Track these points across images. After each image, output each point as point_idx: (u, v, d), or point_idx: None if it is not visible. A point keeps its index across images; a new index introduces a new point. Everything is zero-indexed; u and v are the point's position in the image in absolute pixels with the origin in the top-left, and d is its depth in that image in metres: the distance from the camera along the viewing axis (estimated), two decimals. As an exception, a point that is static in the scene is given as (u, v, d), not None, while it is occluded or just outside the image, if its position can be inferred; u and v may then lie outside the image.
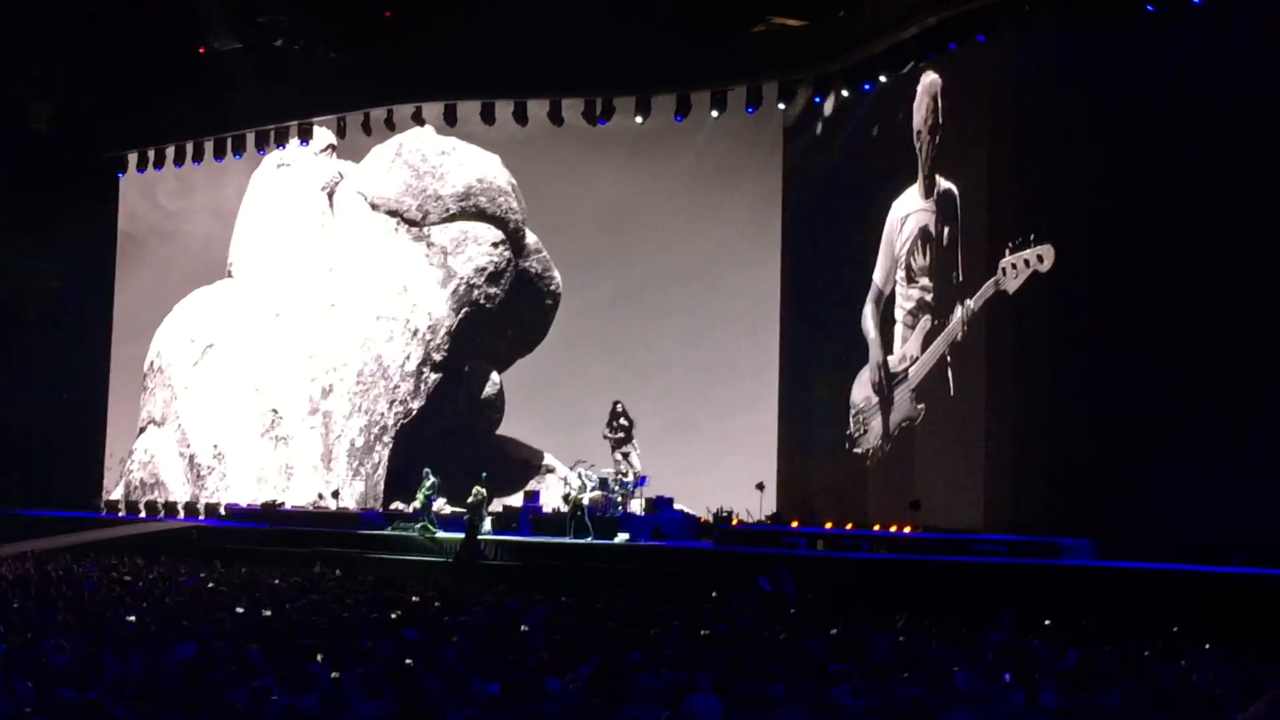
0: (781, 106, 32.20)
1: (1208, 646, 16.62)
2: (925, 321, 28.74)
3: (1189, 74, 24.08)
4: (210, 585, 22.28)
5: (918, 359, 28.77)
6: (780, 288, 32.91)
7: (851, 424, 30.53)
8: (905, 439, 29.11)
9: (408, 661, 13.72)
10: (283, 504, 34.37)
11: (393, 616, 18.25)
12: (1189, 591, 20.62)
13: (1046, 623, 18.56)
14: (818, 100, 31.65)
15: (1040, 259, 25.34)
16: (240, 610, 18.32)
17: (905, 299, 29.40)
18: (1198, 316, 23.65)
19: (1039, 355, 25.93)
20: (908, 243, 29.36)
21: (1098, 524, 23.95)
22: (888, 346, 29.82)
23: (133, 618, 17.31)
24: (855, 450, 30.42)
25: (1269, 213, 23.21)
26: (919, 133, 29.09)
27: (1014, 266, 25.84)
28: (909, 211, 29.36)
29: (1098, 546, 23.58)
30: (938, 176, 28.56)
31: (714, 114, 32.69)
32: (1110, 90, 25.03)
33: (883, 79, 29.83)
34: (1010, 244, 26.02)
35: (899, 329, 29.55)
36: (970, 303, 26.99)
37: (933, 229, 28.63)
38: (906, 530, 26.81)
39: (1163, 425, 23.91)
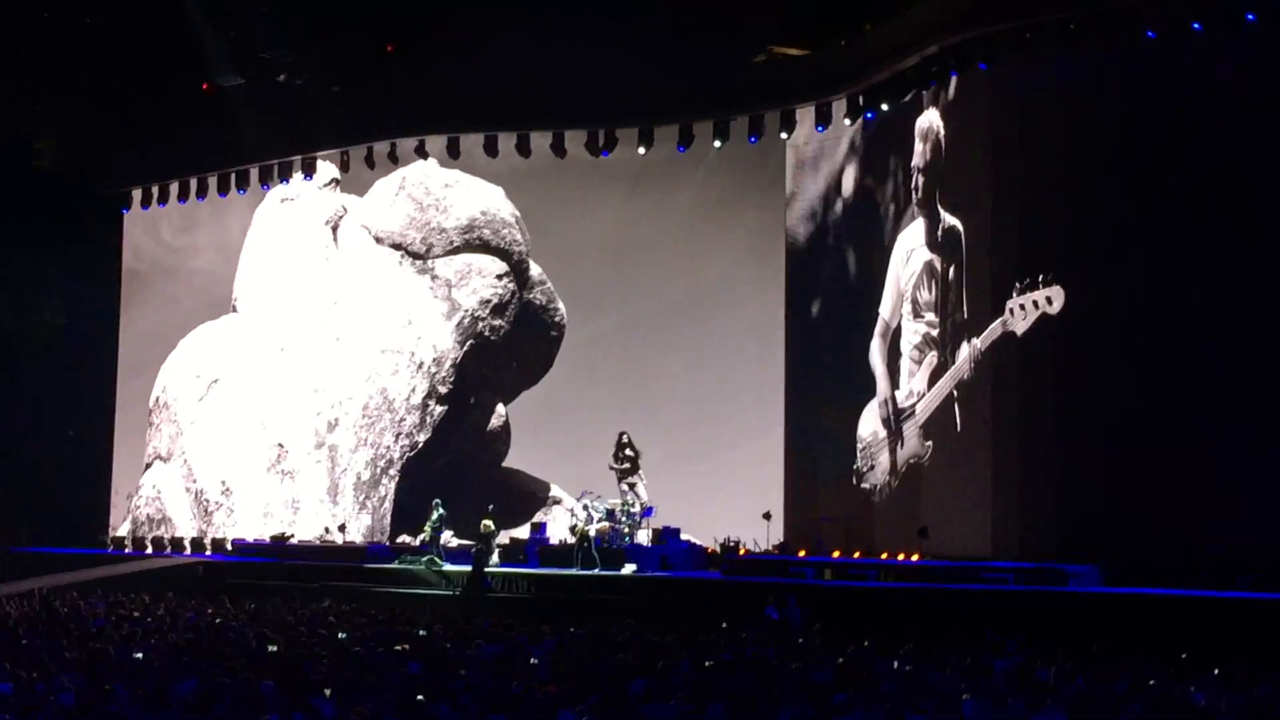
0: (784, 136, 32.26)
1: (1216, 672, 16.59)
2: (931, 357, 28.76)
3: (1192, 101, 24.12)
4: (217, 621, 22.26)
5: (924, 395, 28.78)
6: (784, 317, 32.91)
7: (859, 459, 30.51)
8: (913, 476, 29.10)
9: (417, 697, 13.72)
10: (291, 536, 34.36)
11: (400, 649, 18.24)
12: (1195, 617, 20.58)
13: (1054, 650, 18.54)
14: (820, 130, 31.70)
15: (1050, 301, 25.35)
16: (247, 645, 18.31)
17: (912, 334, 29.41)
18: (1203, 351, 23.72)
19: (1045, 394, 25.97)
20: (913, 278, 29.39)
21: (1104, 549, 23.93)
22: (895, 381, 29.83)
23: (140, 654, 17.31)
24: (863, 486, 30.41)
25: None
26: (919, 169, 29.14)
27: (1022, 308, 25.86)
28: (913, 247, 29.40)
29: (1104, 573, 23.56)
30: (941, 212, 28.59)
31: (716, 144, 32.76)
32: (1113, 120, 25.10)
33: (885, 107, 29.90)
34: (1018, 284, 26.02)
35: (905, 363, 29.56)
36: (977, 341, 27.00)
37: (938, 265, 28.66)
38: (914, 558, 26.78)
39: (1169, 456, 23.95)
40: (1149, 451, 24.19)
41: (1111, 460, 24.66)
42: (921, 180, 29.13)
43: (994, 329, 26.50)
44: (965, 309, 27.66)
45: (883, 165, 30.68)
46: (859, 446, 30.53)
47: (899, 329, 29.82)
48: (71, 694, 13.56)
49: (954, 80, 28.07)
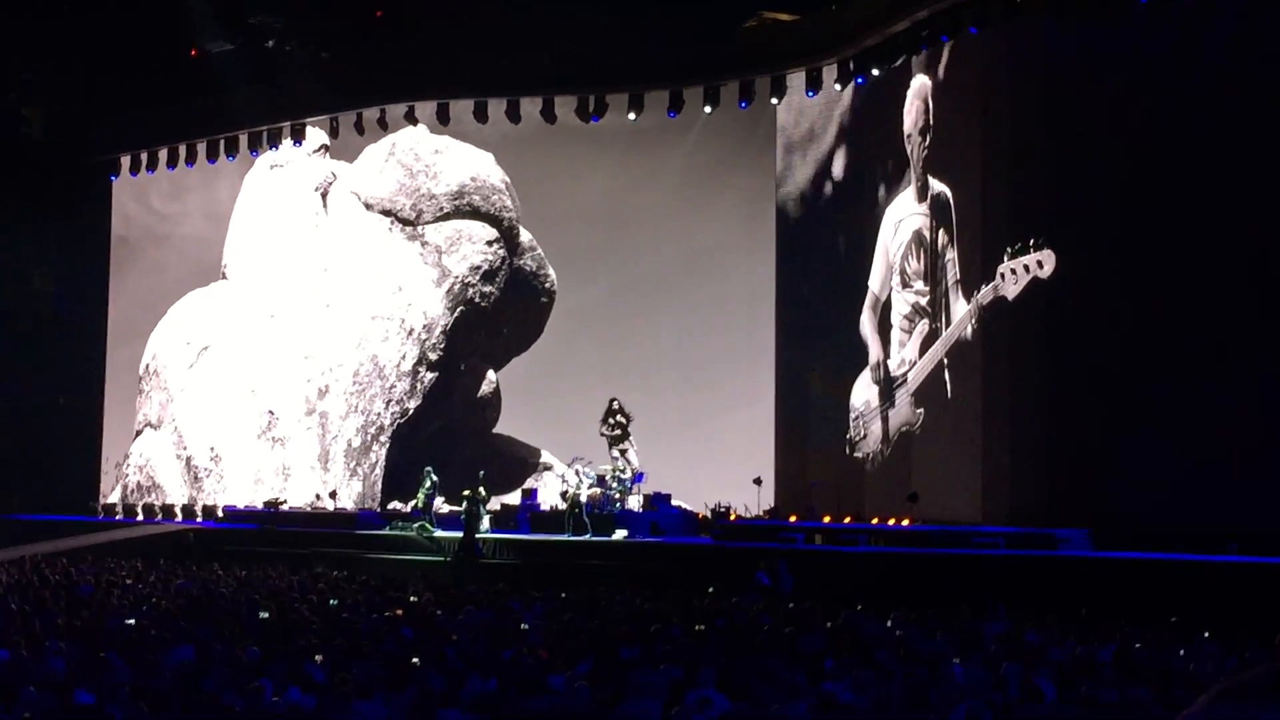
0: (774, 101, 32.21)
1: (1205, 635, 16.66)
2: (922, 326, 28.77)
3: (1182, 66, 24.09)
4: (209, 587, 22.28)
5: (916, 363, 28.80)
6: (775, 282, 32.92)
7: (852, 428, 30.55)
8: (904, 443, 29.15)
9: (411, 660, 13.74)
10: (284, 501, 34.35)
11: (392, 615, 18.26)
12: (1184, 581, 20.65)
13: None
14: (810, 94, 31.64)
15: (1040, 264, 25.34)
16: (238, 612, 18.33)
17: (902, 304, 29.43)
18: (1192, 315, 23.71)
19: (1036, 358, 25.97)
20: (901, 248, 29.40)
21: (1093, 516, 24.00)
22: (886, 350, 29.85)
23: (131, 621, 17.33)
24: (855, 454, 30.46)
25: (1268, 208, 23.25)
26: (910, 135, 29.13)
27: (1013, 272, 25.83)
28: (902, 217, 29.40)
29: (1093, 537, 23.63)
30: (931, 179, 28.58)
31: (707, 109, 32.69)
32: (1103, 85, 25.05)
33: (875, 72, 29.85)
34: (1009, 249, 26.00)
35: (896, 334, 29.58)
36: (972, 303, 26.94)
37: (926, 232, 28.66)
38: (904, 524, 26.84)
39: (1158, 420, 23.97)
40: (1138, 416, 24.22)
41: (1101, 425, 24.70)
42: (911, 147, 29.12)
43: (985, 293, 26.49)
44: (957, 272, 27.65)
45: (873, 133, 30.66)
46: (851, 416, 30.56)
47: (889, 301, 29.83)
48: (62, 660, 13.57)
49: (945, 46, 28.02)
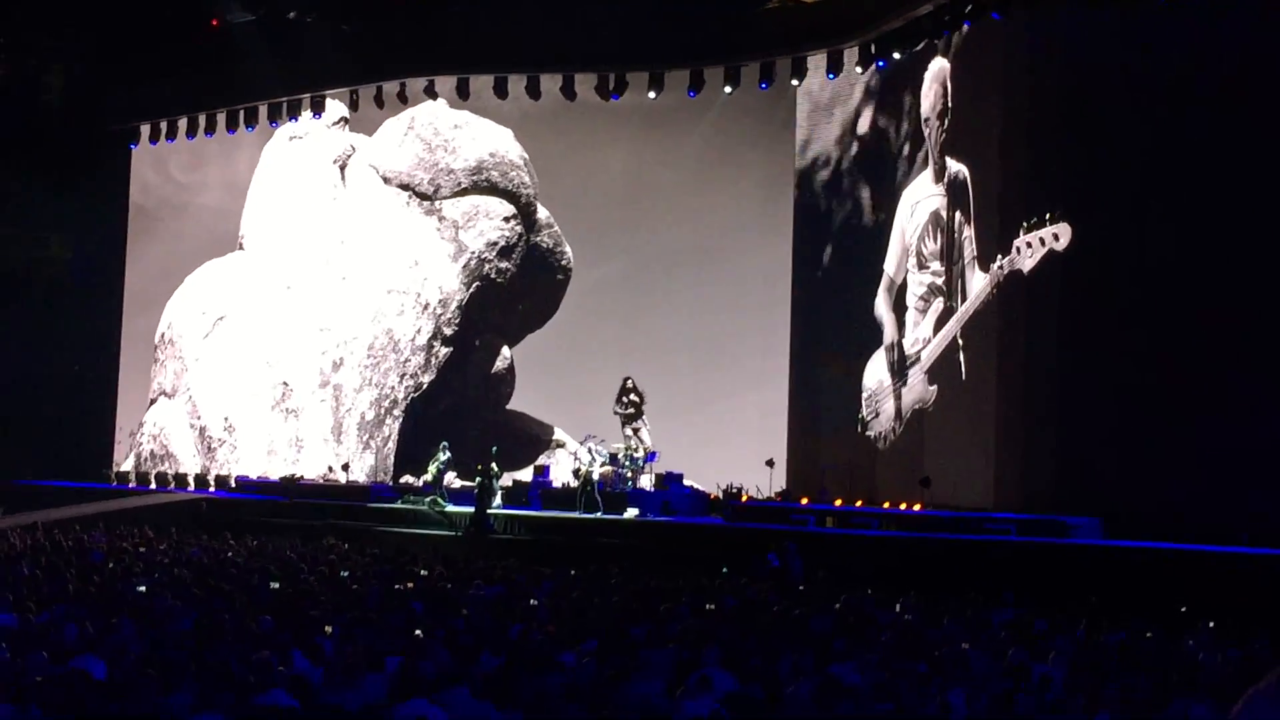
0: (795, 83, 32.16)
1: (1212, 625, 16.65)
2: (938, 304, 28.74)
3: (1202, 47, 23.98)
4: (220, 556, 22.33)
5: (930, 341, 28.77)
6: (791, 264, 32.89)
7: (864, 407, 30.55)
8: (916, 422, 29.13)
9: (416, 634, 13.76)
10: (300, 478, 34.38)
11: (402, 588, 18.30)
12: (1195, 571, 20.64)
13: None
14: (831, 77, 31.59)
15: (1056, 237, 25.25)
16: (249, 582, 18.37)
17: (917, 285, 29.40)
18: (1211, 295, 23.59)
19: (1050, 334, 25.89)
20: (918, 230, 29.36)
21: (1106, 504, 23.97)
22: (900, 330, 29.82)
23: (143, 588, 17.38)
24: (867, 434, 30.45)
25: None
26: (928, 119, 29.09)
27: (1029, 245, 25.75)
28: (919, 199, 29.37)
29: (1105, 526, 23.61)
30: (948, 160, 28.54)
31: (727, 90, 32.63)
32: (1123, 65, 24.95)
33: (896, 56, 29.80)
34: (1025, 223, 25.94)
35: (910, 315, 29.56)
36: (987, 276, 26.84)
37: (944, 213, 28.62)
38: (916, 508, 26.84)
39: (1173, 405, 23.88)
40: (1153, 401, 24.13)
41: (1115, 410, 24.62)
42: (929, 130, 29.08)
43: (1001, 267, 26.42)
44: (974, 250, 27.59)
45: (892, 115, 30.63)
46: (864, 395, 30.57)
47: (904, 284, 29.80)
48: (75, 626, 13.61)
49: (965, 28, 27.95)
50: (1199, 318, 23.69)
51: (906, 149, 29.96)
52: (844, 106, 31.99)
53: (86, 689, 10.44)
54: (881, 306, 30.39)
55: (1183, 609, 17.92)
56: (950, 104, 28.51)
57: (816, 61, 31.71)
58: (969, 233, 27.80)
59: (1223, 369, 23.47)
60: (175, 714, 9.79)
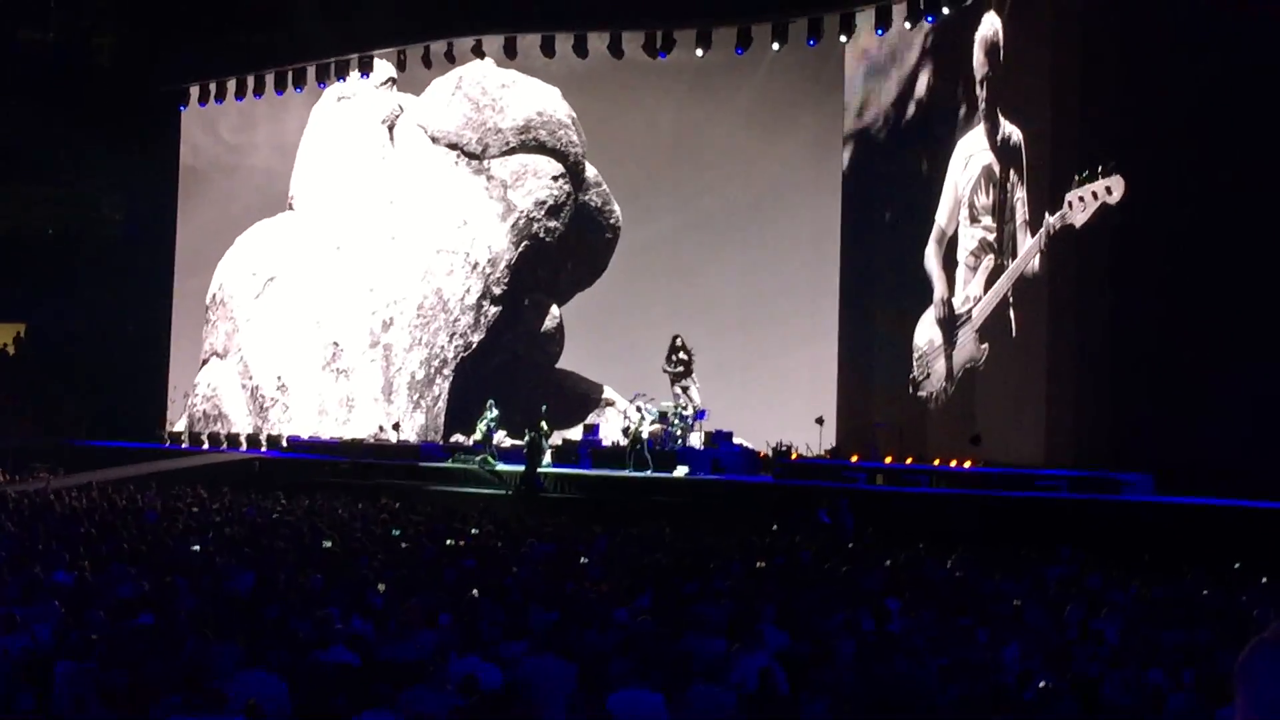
0: (843, 39, 31.99)
1: (1265, 581, 16.57)
2: (988, 261, 28.57)
3: (1258, 4, 23.74)
4: (273, 516, 22.48)
5: (981, 299, 28.61)
6: (840, 222, 32.77)
7: (915, 367, 30.42)
8: (968, 381, 29.00)
9: (470, 593, 13.82)
10: (369, 439, 34.41)
11: (452, 547, 18.38)
12: (1249, 526, 20.52)
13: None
14: (879, 33, 31.42)
15: (1109, 190, 25.01)
16: (302, 541, 18.49)
17: (969, 239, 29.22)
18: (1266, 246, 23.35)
19: (1102, 289, 25.70)
20: (970, 183, 29.17)
21: (1158, 459, 23.81)
22: (951, 287, 29.67)
23: (197, 547, 17.51)
24: (919, 394, 30.33)
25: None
26: (979, 78, 28.87)
27: (1081, 199, 25.53)
28: (972, 152, 29.16)
29: (1158, 482, 23.47)
30: (1000, 117, 28.32)
31: (775, 47, 32.49)
32: (1174, 15, 24.67)
33: (945, 10, 29.60)
34: (1077, 176, 25.71)
35: (961, 270, 29.39)
36: (1039, 236, 26.66)
37: (996, 169, 28.42)
38: (966, 466, 26.76)
39: (1226, 359, 23.67)
40: (1206, 355, 23.92)
41: (1168, 365, 24.44)
42: (981, 87, 28.87)
43: (1053, 222, 26.21)
44: (1026, 207, 27.40)
45: (945, 74, 30.40)
46: (915, 355, 30.43)
47: (955, 236, 29.64)
48: (130, 585, 13.72)
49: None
50: (1254, 270, 23.46)
51: (960, 107, 29.74)
52: (898, 65, 31.76)
53: (143, 645, 10.54)
54: (932, 260, 30.22)
55: (1236, 565, 17.84)
56: (1002, 60, 28.28)
57: (864, 18, 31.54)
58: (1021, 192, 27.60)
59: (1278, 322, 23.25)
60: (228, 669, 9.87)
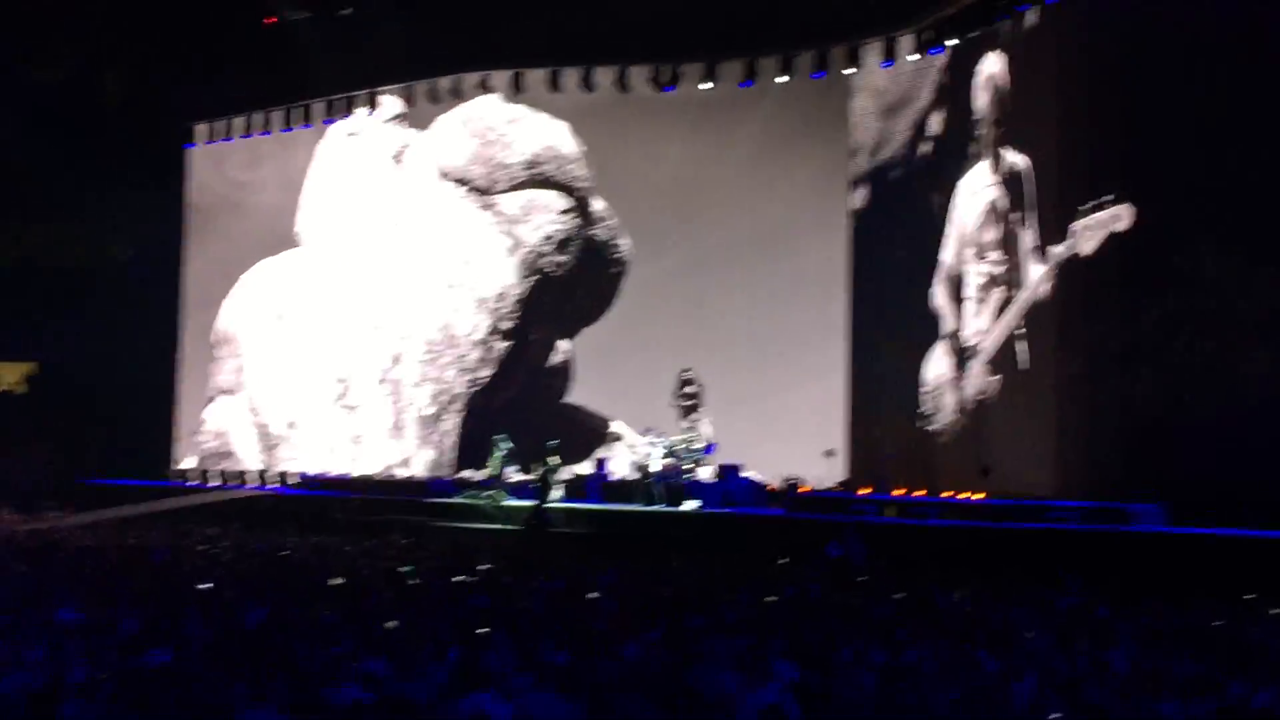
0: (847, 72, 32.04)
1: (1274, 612, 16.50)
2: (996, 294, 28.55)
3: (1263, 25, 23.70)
4: (282, 553, 22.45)
5: (990, 331, 28.59)
6: (848, 253, 32.77)
7: (924, 401, 30.37)
8: (978, 413, 28.95)
9: (479, 630, 13.78)
10: (376, 475, 34.42)
11: (462, 583, 18.34)
12: (1261, 557, 20.44)
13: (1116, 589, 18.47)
14: (885, 65, 31.47)
15: (1117, 219, 25.02)
16: (311, 578, 18.45)
17: (976, 275, 29.20)
18: (1276, 276, 23.30)
19: (1112, 319, 25.67)
20: (976, 219, 29.16)
21: (1169, 491, 23.74)
22: (959, 321, 29.64)
23: (207, 585, 17.47)
24: (928, 429, 30.27)
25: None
26: (983, 115, 28.89)
27: (1088, 228, 25.55)
28: (977, 188, 29.19)
29: (1169, 513, 23.40)
30: (1004, 152, 28.35)
31: (780, 80, 32.55)
32: (1180, 45, 24.69)
33: (951, 43, 29.65)
34: (1084, 206, 25.72)
35: (970, 305, 29.37)
36: (1056, 249, 26.59)
37: (1001, 203, 28.42)
38: (976, 497, 26.71)
39: (1238, 389, 23.64)
40: (1215, 385, 23.88)
41: (1178, 392, 24.39)
42: (984, 122, 28.89)
43: (1060, 251, 26.21)
44: (1033, 237, 27.40)
45: (950, 111, 30.41)
46: (923, 391, 30.38)
47: (962, 274, 29.62)
48: (136, 622, 13.69)
49: (1020, 14, 27.78)
50: (1265, 299, 23.41)
51: (964, 143, 29.76)
52: (903, 103, 31.78)
53: (151, 684, 10.50)
54: (940, 297, 30.22)
55: (1247, 596, 17.76)
56: (1006, 97, 28.31)
57: (870, 50, 31.60)
58: (1028, 223, 27.61)
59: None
60: (238, 708, 9.84)
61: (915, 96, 31.39)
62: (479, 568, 20.55)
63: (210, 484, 36.65)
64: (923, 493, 28.28)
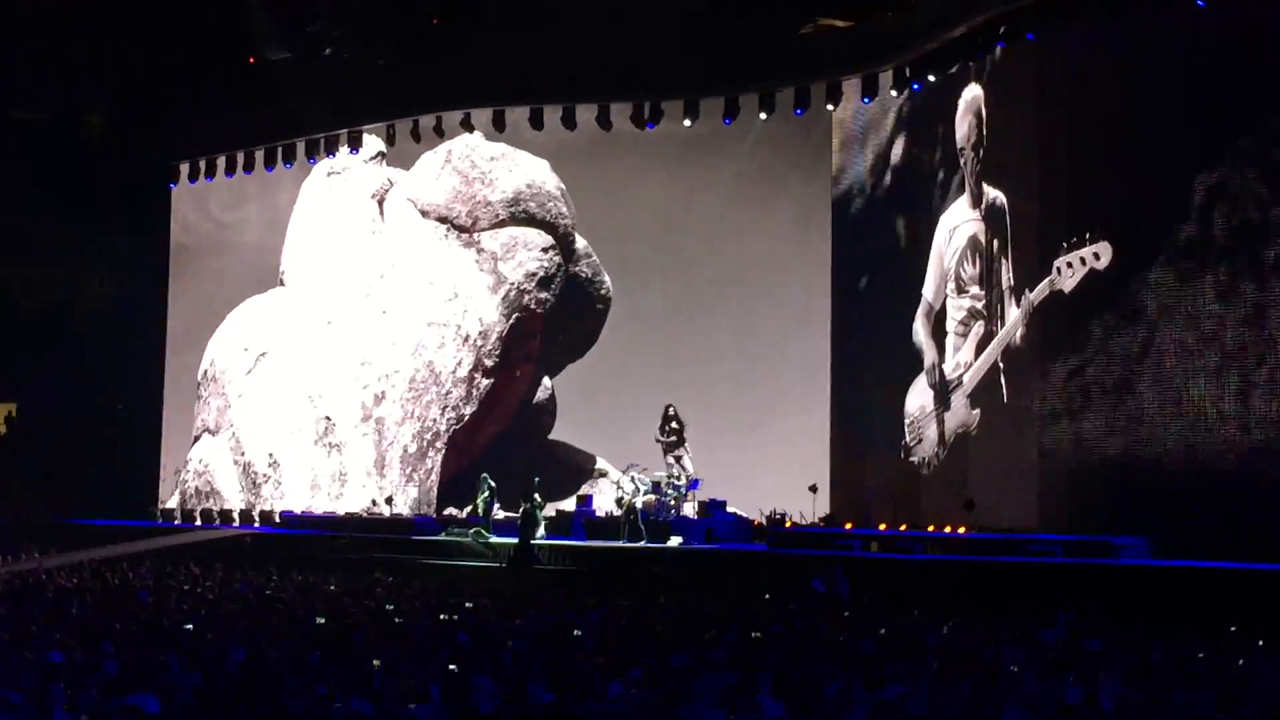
0: (830, 108, 32.16)
1: (1262, 644, 16.51)
2: (978, 328, 28.62)
3: (1246, 55, 23.81)
4: (266, 592, 22.39)
5: (972, 365, 28.65)
6: (830, 289, 32.83)
7: (906, 434, 30.41)
8: (960, 446, 28.99)
9: (461, 667, 13.75)
10: (362, 513, 34.33)
11: (447, 621, 18.30)
12: (1245, 589, 20.48)
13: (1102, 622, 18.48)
14: (865, 101, 31.58)
15: (1097, 256, 25.14)
16: (295, 616, 18.40)
17: (956, 309, 29.28)
18: (1256, 312, 23.42)
19: (1093, 355, 25.75)
20: (957, 254, 29.25)
21: (1153, 523, 23.79)
22: (941, 355, 29.70)
23: (190, 625, 17.42)
24: (911, 460, 30.31)
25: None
26: (963, 148, 29.01)
27: (1069, 265, 25.66)
28: (957, 223, 29.28)
29: (1153, 545, 23.44)
30: (985, 186, 28.46)
31: (762, 116, 32.64)
32: (1160, 81, 24.82)
33: (931, 79, 29.76)
34: (1065, 243, 25.84)
35: (951, 339, 29.44)
36: (1026, 302, 26.76)
37: (982, 237, 28.52)
38: (960, 531, 26.73)
39: (1219, 423, 23.72)
40: (1199, 418, 23.95)
41: (1159, 429, 24.47)
42: (964, 159, 29.01)
43: (1042, 288, 26.31)
44: (1012, 274, 27.51)
45: (928, 139, 30.54)
46: (906, 422, 30.42)
47: (943, 309, 29.69)
48: (116, 663, 13.64)
49: (999, 50, 27.91)
50: (1245, 334, 23.50)
51: (941, 175, 29.87)
52: (877, 135, 31.91)
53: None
54: (920, 332, 30.28)
55: (1233, 628, 17.77)
56: (985, 130, 28.43)
57: (851, 86, 31.71)
58: (1007, 258, 27.70)
59: (1269, 385, 23.27)
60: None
61: (896, 132, 31.51)
62: (465, 605, 20.52)
63: (194, 523, 36.54)
64: (905, 527, 28.27)
